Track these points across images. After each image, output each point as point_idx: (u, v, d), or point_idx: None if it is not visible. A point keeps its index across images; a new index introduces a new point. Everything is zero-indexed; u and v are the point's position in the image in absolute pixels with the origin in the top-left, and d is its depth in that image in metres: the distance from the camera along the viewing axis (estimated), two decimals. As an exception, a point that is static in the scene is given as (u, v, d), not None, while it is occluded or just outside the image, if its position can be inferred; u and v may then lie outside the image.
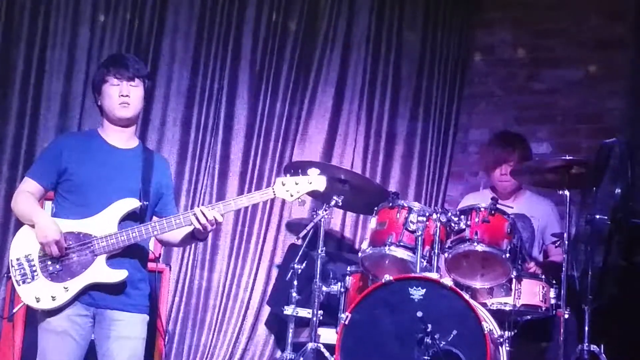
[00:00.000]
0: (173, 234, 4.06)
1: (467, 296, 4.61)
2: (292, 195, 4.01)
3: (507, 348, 4.73)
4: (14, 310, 4.12)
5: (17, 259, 3.91)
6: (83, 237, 3.90)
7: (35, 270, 3.89)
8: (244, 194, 5.81)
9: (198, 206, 4.58)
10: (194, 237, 4.09)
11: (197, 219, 3.92)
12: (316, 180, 4.03)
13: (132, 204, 3.97)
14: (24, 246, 3.93)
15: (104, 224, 3.92)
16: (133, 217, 3.98)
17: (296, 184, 4.01)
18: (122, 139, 4.10)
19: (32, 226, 3.92)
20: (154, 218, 4.09)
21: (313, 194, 5.18)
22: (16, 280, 3.90)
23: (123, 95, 4.01)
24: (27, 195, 4.01)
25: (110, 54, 4.28)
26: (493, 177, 5.64)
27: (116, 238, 3.90)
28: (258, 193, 4.10)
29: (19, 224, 4.05)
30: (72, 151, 4.03)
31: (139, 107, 4.11)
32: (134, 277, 3.98)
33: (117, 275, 3.90)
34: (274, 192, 4.01)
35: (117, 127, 4.09)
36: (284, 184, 4.00)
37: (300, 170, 4.05)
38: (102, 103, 4.07)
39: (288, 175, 4.04)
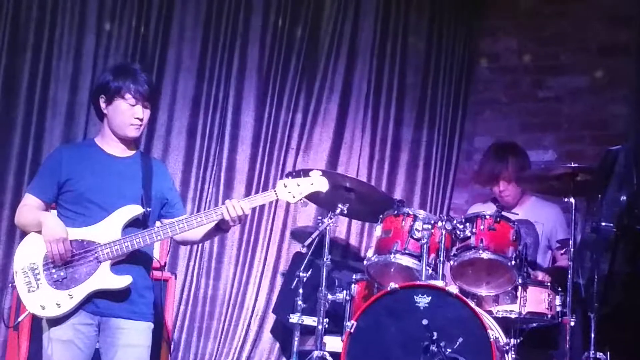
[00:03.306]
0: (192, 232, 4.06)
1: (472, 304, 4.61)
2: (294, 197, 4.01)
3: (513, 356, 4.73)
4: (19, 319, 4.12)
5: (22, 268, 3.92)
6: (87, 245, 3.91)
7: (39, 279, 3.89)
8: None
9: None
10: (219, 229, 4.09)
11: (227, 212, 3.94)
12: (318, 182, 4.04)
13: (135, 210, 3.98)
14: (28, 255, 3.94)
15: (107, 231, 3.93)
16: (136, 224, 3.99)
17: (298, 185, 4.01)
18: (121, 147, 4.12)
19: (39, 232, 3.93)
20: (157, 223, 4.10)
21: (319, 201, 5.25)
22: (21, 289, 3.91)
23: (138, 118, 4.03)
24: (29, 207, 4.04)
25: (124, 64, 4.20)
26: (493, 192, 5.63)
27: (120, 244, 3.90)
28: (260, 195, 4.10)
29: (24, 234, 4.06)
30: (71, 163, 4.04)
31: (145, 126, 4.15)
32: (139, 284, 3.99)
33: (122, 281, 3.91)
34: (276, 193, 4.02)
35: (120, 139, 4.11)
36: (285, 186, 4.01)
37: (302, 173, 4.06)
38: (109, 114, 4.06)
39: (290, 177, 4.04)
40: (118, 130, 4.06)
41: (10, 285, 4.11)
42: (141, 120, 4.04)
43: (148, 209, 4.03)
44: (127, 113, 4.02)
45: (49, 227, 3.90)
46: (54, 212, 4.10)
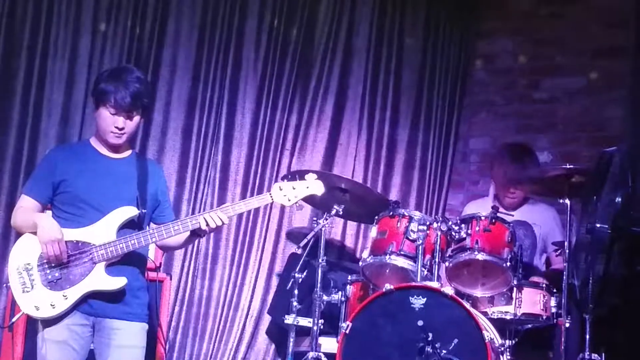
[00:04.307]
0: (174, 238, 4.07)
1: (467, 305, 4.61)
2: (289, 200, 4.01)
3: (508, 357, 4.73)
4: (13, 320, 4.11)
5: (17, 268, 3.92)
6: (82, 246, 3.91)
7: (34, 279, 3.89)
8: (242, 200, 5.84)
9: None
10: (194, 234, 4.09)
11: (206, 223, 3.95)
12: (313, 185, 4.04)
13: (130, 212, 3.98)
14: (22, 255, 3.93)
15: (102, 232, 3.93)
16: (131, 225, 3.99)
17: (293, 188, 4.02)
18: (114, 148, 4.11)
19: (34, 233, 3.92)
20: (152, 225, 4.10)
21: (314, 202, 5.24)
22: (15, 290, 3.90)
23: (117, 128, 4.01)
24: (25, 209, 4.03)
25: (121, 69, 4.12)
26: (501, 191, 5.62)
27: (115, 246, 3.90)
28: (255, 198, 4.10)
29: (19, 235, 4.05)
30: (66, 163, 4.04)
31: (134, 132, 4.12)
32: (133, 285, 3.99)
33: (117, 282, 3.91)
34: (271, 196, 4.02)
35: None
36: (281, 189, 4.01)
37: (297, 176, 4.07)
38: (96, 117, 4.06)
39: (285, 180, 4.05)
40: (101, 134, 4.07)
41: (4, 285, 4.10)
42: (120, 130, 4.01)
43: (143, 210, 4.02)
44: (108, 121, 4.00)
45: (44, 228, 3.89)
46: (49, 212, 4.09)
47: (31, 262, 3.91)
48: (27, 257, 3.92)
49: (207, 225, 3.96)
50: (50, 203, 4.07)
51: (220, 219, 3.97)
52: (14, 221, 4.09)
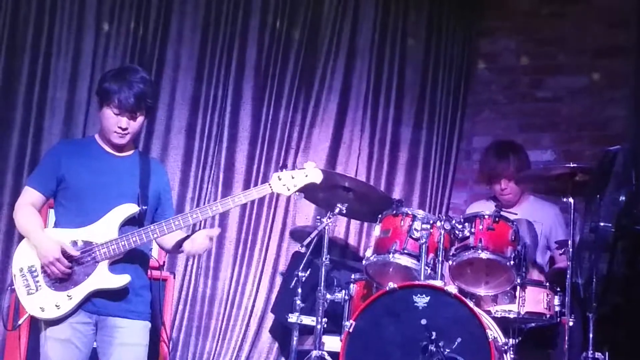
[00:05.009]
0: (169, 238, 4.08)
1: (471, 304, 4.62)
2: (289, 189, 4.01)
3: (512, 356, 4.73)
4: (20, 322, 4.09)
5: (20, 270, 3.93)
6: (84, 245, 3.92)
7: (38, 281, 3.90)
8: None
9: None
10: (179, 246, 4.12)
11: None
12: (312, 173, 4.04)
13: (131, 209, 3.99)
14: (26, 257, 3.94)
15: (104, 230, 3.94)
16: (132, 222, 4.00)
17: (292, 177, 4.02)
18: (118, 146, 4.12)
19: None
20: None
21: (317, 200, 5.25)
22: (20, 292, 3.92)
23: (120, 128, 4.02)
24: (27, 211, 4.03)
25: (125, 69, 4.09)
26: (494, 190, 5.64)
27: (117, 243, 3.91)
28: (255, 189, 4.09)
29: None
30: (70, 158, 4.05)
31: (137, 132, 4.13)
32: (136, 283, 4.00)
33: (120, 280, 3.92)
34: (270, 187, 4.02)
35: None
36: (280, 179, 4.01)
37: (295, 166, 4.08)
38: (100, 118, 4.08)
39: (284, 170, 4.05)
40: (105, 134, 4.08)
41: (8, 288, 4.10)
42: (124, 130, 4.02)
43: (144, 207, 4.03)
44: (112, 121, 4.01)
45: (41, 250, 3.90)
46: (52, 211, 4.09)
47: (35, 263, 3.92)
48: (30, 259, 3.93)
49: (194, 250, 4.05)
50: (53, 197, 4.07)
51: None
52: (15, 218, 4.09)
